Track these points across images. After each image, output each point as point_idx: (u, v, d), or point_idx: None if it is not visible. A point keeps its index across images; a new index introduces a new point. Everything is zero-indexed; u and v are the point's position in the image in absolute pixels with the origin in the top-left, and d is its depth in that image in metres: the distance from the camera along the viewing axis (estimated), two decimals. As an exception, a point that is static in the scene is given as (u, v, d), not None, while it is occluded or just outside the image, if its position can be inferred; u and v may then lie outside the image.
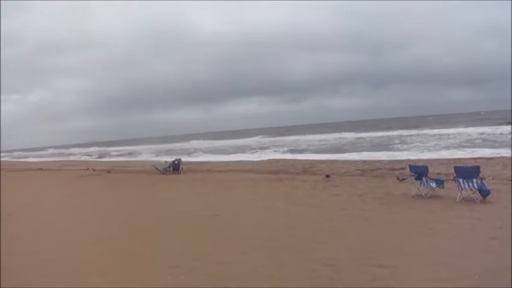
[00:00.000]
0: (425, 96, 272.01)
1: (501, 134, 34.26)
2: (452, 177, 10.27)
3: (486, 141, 29.61)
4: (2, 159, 60.01)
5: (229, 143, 60.44)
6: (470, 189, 9.48)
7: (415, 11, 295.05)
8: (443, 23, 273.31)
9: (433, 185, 10.42)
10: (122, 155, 56.35)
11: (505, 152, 20.61)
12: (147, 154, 51.55)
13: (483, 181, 9.40)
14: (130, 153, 57.85)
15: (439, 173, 13.71)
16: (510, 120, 43.50)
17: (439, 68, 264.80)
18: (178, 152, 46.40)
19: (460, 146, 28.19)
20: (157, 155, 46.52)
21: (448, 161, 18.05)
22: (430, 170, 14.81)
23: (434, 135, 39.37)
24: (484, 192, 9.27)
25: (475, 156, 20.50)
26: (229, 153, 40.70)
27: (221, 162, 30.37)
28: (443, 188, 10.38)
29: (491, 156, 19.71)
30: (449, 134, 37.88)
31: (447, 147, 27.87)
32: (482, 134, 35.27)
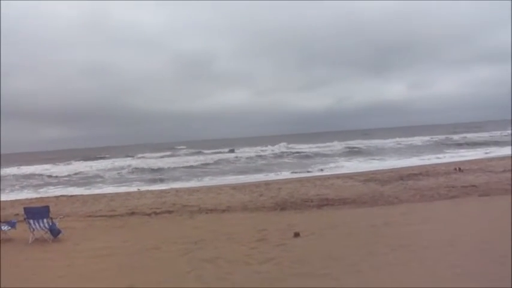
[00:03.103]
0: (17, 134, 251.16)
1: (99, 170, 37.79)
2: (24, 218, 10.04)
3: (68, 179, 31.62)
4: None
5: None
6: (42, 229, 9.56)
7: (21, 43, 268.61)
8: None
9: (5, 227, 9.98)
10: None
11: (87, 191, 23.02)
12: None
13: (53, 220, 9.72)
14: None
15: (18, 214, 13.30)
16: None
17: (34, 105, 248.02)
18: None
19: (41, 185, 29.41)
20: None
21: (30, 200, 17.80)
22: (11, 211, 14.18)
23: (26, 174, 38.88)
24: (54, 232, 9.56)
25: (52, 195, 21.39)
26: None
27: None
28: (15, 229, 10.07)
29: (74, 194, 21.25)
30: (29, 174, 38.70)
31: (28, 187, 28.42)
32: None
